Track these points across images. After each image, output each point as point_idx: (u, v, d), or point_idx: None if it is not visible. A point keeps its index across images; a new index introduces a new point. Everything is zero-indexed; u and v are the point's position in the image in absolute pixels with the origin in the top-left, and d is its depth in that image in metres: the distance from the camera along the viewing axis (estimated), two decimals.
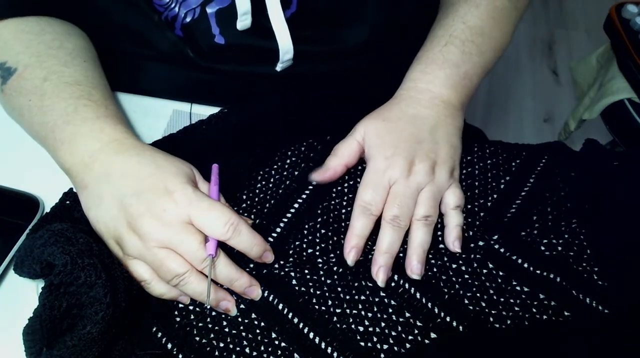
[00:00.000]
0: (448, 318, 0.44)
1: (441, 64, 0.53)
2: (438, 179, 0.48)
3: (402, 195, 0.47)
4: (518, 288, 0.45)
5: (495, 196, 0.51)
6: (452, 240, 0.47)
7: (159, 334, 0.42)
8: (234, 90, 0.61)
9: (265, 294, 0.44)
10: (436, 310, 0.44)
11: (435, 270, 0.46)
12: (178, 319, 0.43)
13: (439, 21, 0.58)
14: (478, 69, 0.55)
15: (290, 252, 0.47)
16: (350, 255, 0.45)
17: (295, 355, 0.42)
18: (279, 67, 0.58)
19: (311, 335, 0.42)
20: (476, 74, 0.55)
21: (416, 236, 0.46)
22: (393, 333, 0.43)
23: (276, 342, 0.42)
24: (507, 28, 0.59)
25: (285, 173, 0.52)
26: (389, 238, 0.46)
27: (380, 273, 0.44)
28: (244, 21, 0.54)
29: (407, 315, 0.44)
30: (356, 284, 0.45)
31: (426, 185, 0.48)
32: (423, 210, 0.47)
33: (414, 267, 0.45)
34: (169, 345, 0.42)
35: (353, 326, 0.43)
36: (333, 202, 0.50)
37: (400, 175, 0.47)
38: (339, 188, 0.51)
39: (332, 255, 0.47)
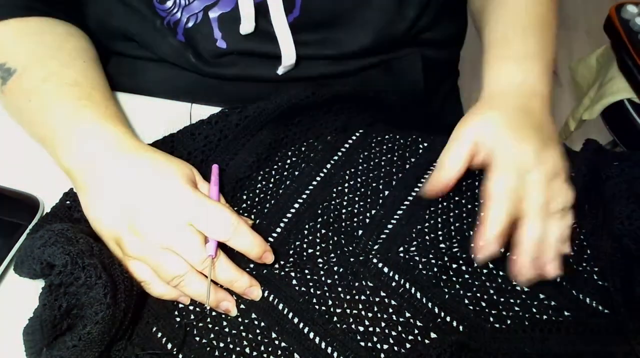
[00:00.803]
0: (448, 318, 0.44)
1: (531, 56, 0.52)
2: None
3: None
4: (518, 288, 0.45)
5: None
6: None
7: (159, 334, 0.42)
8: (235, 92, 0.61)
9: (265, 294, 0.44)
10: (436, 310, 0.44)
11: (435, 270, 0.46)
12: (178, 319, 0.43)
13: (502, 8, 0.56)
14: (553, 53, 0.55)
15: (291, 252, 0.47)
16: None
17: (295, 355, 0.42)
18: (280, 71, 0.58)
19: (311, 335, 0.42)
20: (553, 57, 0.54)
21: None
22: (393, 333, 0.43)
23: (276, 342, 0.42)
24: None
25: (285, 173, 0.52)
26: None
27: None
28: (246, 26, 0.54)
29: (407, 315, 0.44)
30: (356, 284, 0.45)
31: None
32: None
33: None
34: (169, 345, 0.42)
35: (353, 326, 0.43)
36: (333, 202, 0.50)
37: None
38: (339, 188, 0.51)
39: (332, 255, 0.47)
